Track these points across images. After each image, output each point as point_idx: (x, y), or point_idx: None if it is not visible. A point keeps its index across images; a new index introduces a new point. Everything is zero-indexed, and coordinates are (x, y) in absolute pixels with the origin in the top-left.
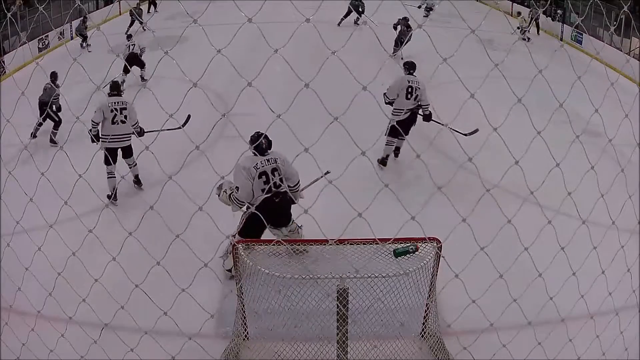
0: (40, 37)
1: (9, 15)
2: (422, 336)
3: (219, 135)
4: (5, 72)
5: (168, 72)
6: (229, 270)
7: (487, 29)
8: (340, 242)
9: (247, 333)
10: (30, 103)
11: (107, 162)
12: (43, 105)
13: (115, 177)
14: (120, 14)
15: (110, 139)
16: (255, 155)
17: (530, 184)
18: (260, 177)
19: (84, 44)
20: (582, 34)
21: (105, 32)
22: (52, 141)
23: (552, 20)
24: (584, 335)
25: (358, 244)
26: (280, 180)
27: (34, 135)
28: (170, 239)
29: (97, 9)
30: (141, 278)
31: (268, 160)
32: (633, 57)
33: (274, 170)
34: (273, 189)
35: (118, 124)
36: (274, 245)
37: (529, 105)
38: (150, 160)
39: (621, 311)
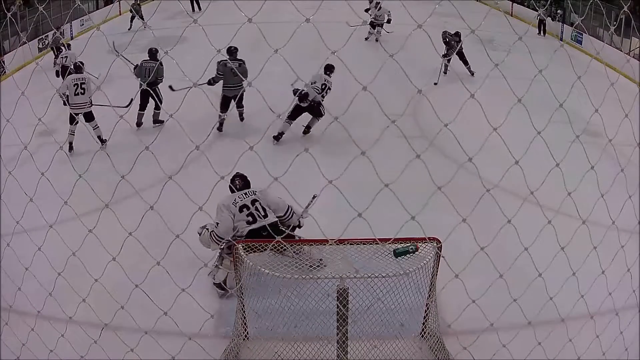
0: (40, 37)
1: (9, 15)
2: (422, 336)
3: (219, 135)
4: (5, 72)
5: (168, 72)
6: (220, 285)
7: (487, 29)
8: (340, 242)
9: (247, 333)
10: (30, 103)
11: (70, 123)
12: (150, 85)
13: (74, 135)
14: (120, 14)
15: (73, 106)
16: (232, 192)
17: (530, 184)
18: (241, 210)
19: (57, 59)
20: (582, 34)
21: (105, 32)
22: (157, 122)
23: (552, 20)
24: (584, 335)
25: (358, 244)
26: (264, 209)
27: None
28: (170, 239)
29: (97, 9)
30: (141, 278)
31: (246, 194)
32: (633, 57)
33: (253, 201)
34: (258, 219)
35: (79, 95)
36: (274, 245)
37: (529, 105)
38: (150, 160)
39: (621, 311)
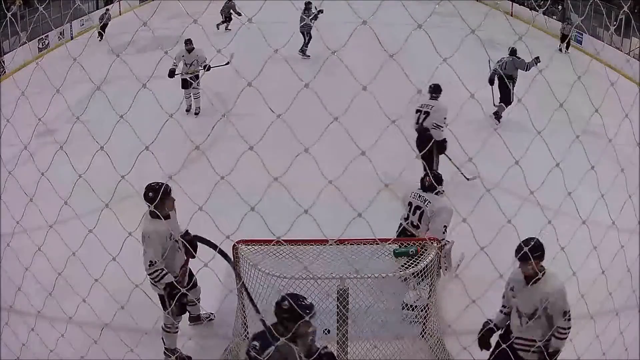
0: (40, 37)
1: (9, 15)
2: (422, 336)
3: (219, 135)
4: (5, 72)
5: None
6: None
7: (487, 29)
8: (340, 242)
9: (247, 333)
10: (30, 103)
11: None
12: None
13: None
14: (120, 14)
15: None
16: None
17: (530, 184)
18: (407, 204)
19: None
20: (582, 34)
21: (104, 32)
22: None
23: (551, 18)
24: (584, 335)
25: (358, 244)
26: (419, 221)
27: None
28: None
29: (97, 9)
30: (141, 278)
31: (420, 197)
32: (633, 57)
33: (417, 208)
34: (407, 225)
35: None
36: (274, 245)
37: (529, 105)
38: (150, 160)
39: (621, 311)
